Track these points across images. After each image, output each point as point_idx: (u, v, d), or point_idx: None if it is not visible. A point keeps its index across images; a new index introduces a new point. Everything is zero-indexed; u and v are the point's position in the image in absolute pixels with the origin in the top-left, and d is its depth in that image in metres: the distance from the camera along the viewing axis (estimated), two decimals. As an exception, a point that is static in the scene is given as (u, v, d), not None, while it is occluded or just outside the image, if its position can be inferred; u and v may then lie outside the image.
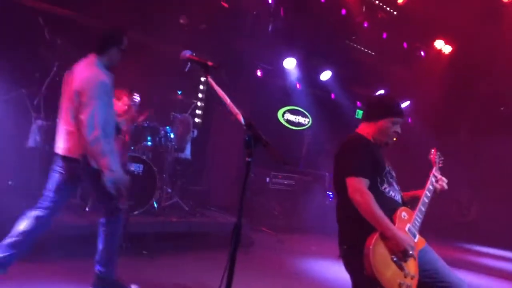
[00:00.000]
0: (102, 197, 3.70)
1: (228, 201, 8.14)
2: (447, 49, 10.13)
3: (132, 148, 6.02)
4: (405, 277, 2.78)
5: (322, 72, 9.24)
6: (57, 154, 3.77)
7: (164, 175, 6.32)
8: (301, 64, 8.86)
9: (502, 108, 11.40)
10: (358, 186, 2.86)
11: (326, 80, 9.41)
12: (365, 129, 3.17)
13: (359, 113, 11.12)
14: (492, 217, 10.88)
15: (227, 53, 8.10)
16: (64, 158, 3.68)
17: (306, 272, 5.94)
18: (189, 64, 7.04)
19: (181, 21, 7.02)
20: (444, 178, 3.36)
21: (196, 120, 8.81)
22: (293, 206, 8.51)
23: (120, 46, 3.79)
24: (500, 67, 9.43)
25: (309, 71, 9.07)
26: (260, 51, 7.97)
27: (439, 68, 10.25)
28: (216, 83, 2.47)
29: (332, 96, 9.82)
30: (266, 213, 8.30)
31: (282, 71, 8.87)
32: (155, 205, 6.00)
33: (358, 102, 10.60)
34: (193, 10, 6.99)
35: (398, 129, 3.12)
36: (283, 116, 9.81)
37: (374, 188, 2.93)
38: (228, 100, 2.36)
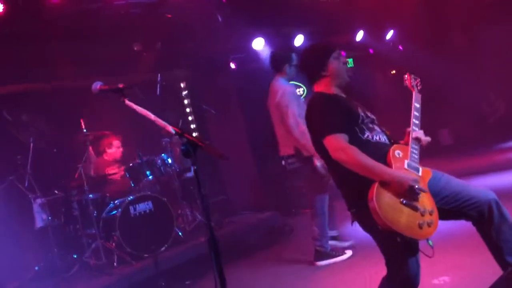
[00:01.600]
0: (315, 178, 4.66)
1: (253, 200, 8.00)
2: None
3: (137, 188, 5.94)
4: (423, 215, 2.54)
5: (294, 39, 8.94)
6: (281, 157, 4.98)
7: (179, 201, 6.21)
8: (270, 40, 8.59)
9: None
10: (337, 144, 2.65)
11: (302, 44, 9.09)
12: (322, 86, 2.98)
13: (350, 62, 10.79)
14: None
15: (194, 61, 7.93)
16: (283, 158, 4.84)
17: (351, 236, 5.75)
18: (158, 86, 6.87)
19: (135, 48, 6.87)
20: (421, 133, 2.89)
21: (194, 134, 8.69)
22: (318, 178, 8.28)
23: (290, 62, 4.84)
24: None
25: (280, 42, 8.77)
26: (223, 45, 7.76)
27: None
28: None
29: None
30: (296, 195, 8.11)
31: (255, 54, 8.62)
32: (180, 233, 5.90)
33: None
34: (142, 34, 6.81)
35: (344, 60, 3.02)
36: (276, 96, 9.55)
37: (357, 140, 2.70)
38: (152, 116, 2.21)
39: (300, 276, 4.79)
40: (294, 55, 4.89)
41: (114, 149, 6.40)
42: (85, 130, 5.63)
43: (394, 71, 11.71)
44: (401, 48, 11.04)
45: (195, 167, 2.00)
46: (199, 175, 2.00)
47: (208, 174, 7.40)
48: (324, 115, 2.78)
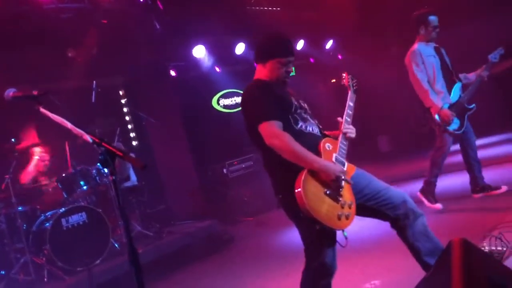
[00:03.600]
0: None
1: (194, 208, 7.89)
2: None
3: (70, 199, 5.71)
4: (342, 207, 2.68)
5: (235, 47, 8.95)
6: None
7: (115, 211, 6.01)
8: (211, 48, 8.58)
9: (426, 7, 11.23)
10: (272, 131, 2.70)
11: (244, 52, 9.13)
12: (260, 72, 2.99)
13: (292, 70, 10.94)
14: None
15: (133, 68, 7.76)
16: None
17: (293, 243, 5.78)
18: (94, 93, 6.62)
19: (70, 54, 6.62)
20: (351, 128, 2.97)
21: (134, 143, 8.49)
22: (260, 185, 8.27)
23: (427, 24, 5.08)
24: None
25: (222, 51, 8.79)
26: (163, 52, 7.65)
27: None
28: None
29: (256, 64, 9.54)
30: (238, 203, 8.09)
31: (196, 62, 8.57)
32: (116, 245, 5.71)
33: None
34: (76, 40, 6.58)
35: (289, 69, 2.94)
36: (218, 104, 9.51)
37: (290, 129, 2.76)
38: (68, 124, 2.13)
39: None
40: (431, 17, 5.08)
41: (37, 163, 6.10)
42: (13, 140, 5.35)
43: (334, 80, 11.98)
44: (340, 57, 11.32)
45: (113, 177, 1.90)
46: (117, 187, 1.91)
47: (148, 183, 7.21)
48: (259, 103, 2.79)
